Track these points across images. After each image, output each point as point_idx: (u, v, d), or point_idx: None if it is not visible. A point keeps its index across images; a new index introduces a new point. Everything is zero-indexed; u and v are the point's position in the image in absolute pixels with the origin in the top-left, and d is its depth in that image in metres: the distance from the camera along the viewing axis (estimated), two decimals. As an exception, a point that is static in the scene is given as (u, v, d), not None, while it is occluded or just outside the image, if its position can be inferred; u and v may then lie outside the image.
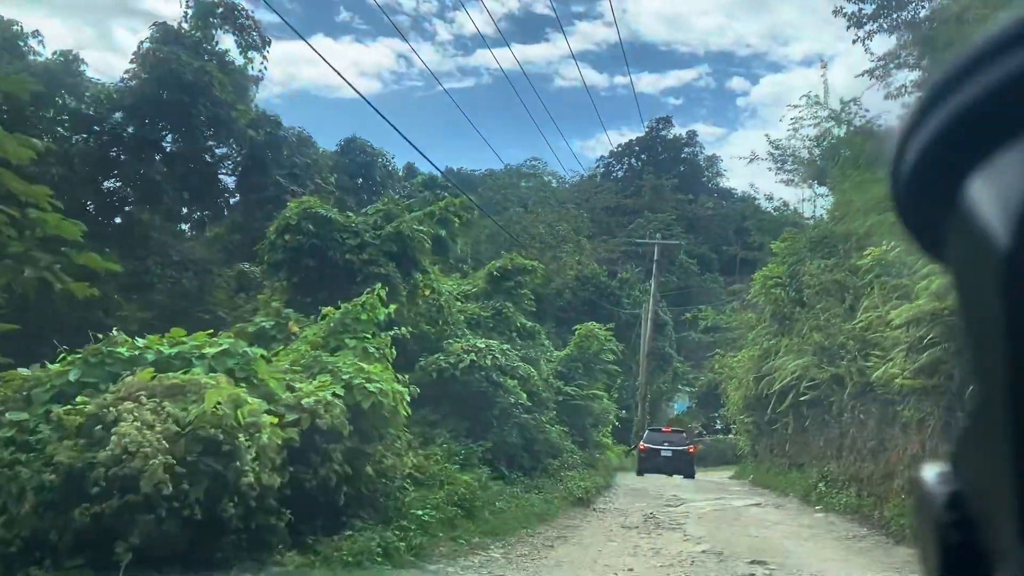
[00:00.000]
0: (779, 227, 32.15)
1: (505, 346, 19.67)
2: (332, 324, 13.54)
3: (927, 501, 0.57)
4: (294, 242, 18.25)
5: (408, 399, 13.34)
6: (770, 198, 42.67)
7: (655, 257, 53.12)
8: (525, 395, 19.07)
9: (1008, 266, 0.47)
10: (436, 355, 18.76)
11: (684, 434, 38.89)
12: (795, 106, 32.13)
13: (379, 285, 14.01)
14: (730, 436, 63.21)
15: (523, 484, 19.62)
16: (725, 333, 38.10)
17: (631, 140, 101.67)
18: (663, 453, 35.74)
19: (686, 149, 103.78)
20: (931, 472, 0.59)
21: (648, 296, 53.98)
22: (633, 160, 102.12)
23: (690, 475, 35.10)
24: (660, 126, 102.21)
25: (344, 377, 11.94)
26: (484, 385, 18.75)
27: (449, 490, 14.73)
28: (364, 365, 12.35)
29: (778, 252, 27.79)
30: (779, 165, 41.93)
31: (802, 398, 23.69)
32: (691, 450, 36.87)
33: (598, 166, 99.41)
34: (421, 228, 19.94)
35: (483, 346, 18.89)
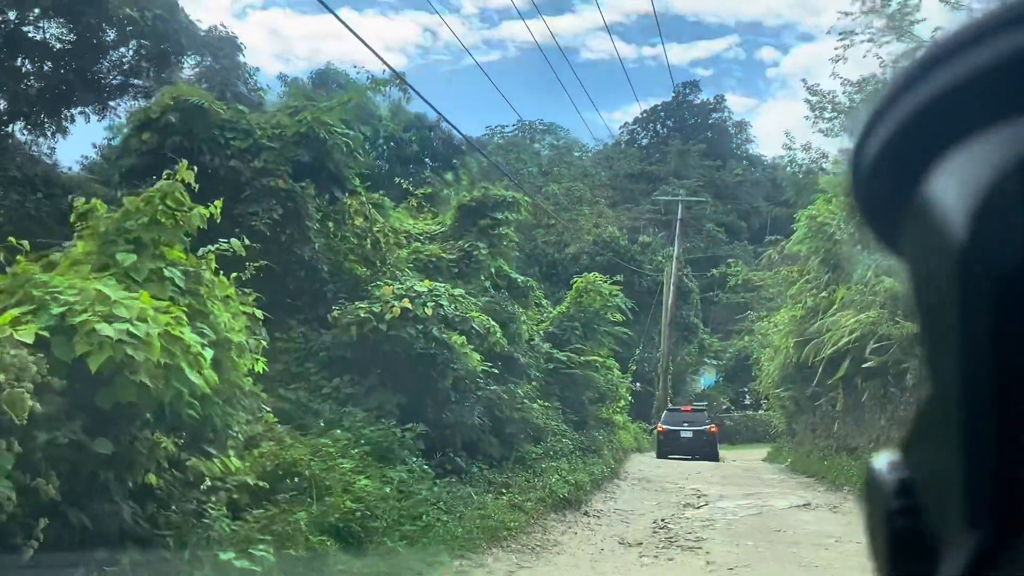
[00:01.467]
0: (817, 181, 26.04)
1: (458, 291, 13.74)
2: (105, 230, 7.70)
3: (877, 488, 0.56)
4: (153, 143, 12.47)
5: (229, 359, 7.53)
6: (807, 148, 36.61)
7: (679, 216, 46.91)
8: (478, 357, 13.07)
9: (963, 259, 0.47)
10: (355, 303, 12.88)
11: (705, 413, 33.52)
12: (846, 13, 25.82)
13: (183, 163, 8.09)
14: (760, 412, 57.25)
15: (485, 481, 13.81)
16: (759, 292, 31.93)
17: (656, 105, 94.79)
18: (683, 435, 30.79)
19: (714, 115, 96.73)
20: (882, 460, 0.57)
21: (671, 260, 47.82)
22: (659, 126, 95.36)
23: (713, 458, 30.05)
24: (687, 91, 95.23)
25: (55, 311, 6.12)
26: (425, 344, 12.87)
27: (330, 504, 8.92)
28: (111, 292, 6.48)
29: (828, 187, 21.57)
30: (817, 113, 35.85)
31: (864, 365, 17.55)
32: (713, 430, 31.63)
33: (622, 133, 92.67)
34: (345, 132, 14.02)
35: (423, 289, 12.96)
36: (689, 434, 30.75)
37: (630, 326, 47.60)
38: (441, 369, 13.75)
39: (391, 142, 33.08)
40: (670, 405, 37.18)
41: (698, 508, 16.07)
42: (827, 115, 34.38)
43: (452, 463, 13.94)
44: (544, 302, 24.18)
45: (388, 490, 10.02)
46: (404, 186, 19.29)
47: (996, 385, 0.46)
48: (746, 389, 60.21)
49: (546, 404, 17.10)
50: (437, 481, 12.41)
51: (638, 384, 36.89)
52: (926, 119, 0.52)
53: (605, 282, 21.62)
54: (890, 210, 0.56)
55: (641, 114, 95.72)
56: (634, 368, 43.05)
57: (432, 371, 13.76)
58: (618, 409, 26.90)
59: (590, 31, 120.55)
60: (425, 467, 11.96)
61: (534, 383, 16.91)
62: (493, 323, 13.56)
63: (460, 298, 13.38)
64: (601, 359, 20.59)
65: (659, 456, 30.43)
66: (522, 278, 22.73)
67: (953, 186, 0.49)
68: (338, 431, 10.99)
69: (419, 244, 17.26)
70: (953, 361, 0.48)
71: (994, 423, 0.47)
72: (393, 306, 12.41)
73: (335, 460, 10.06)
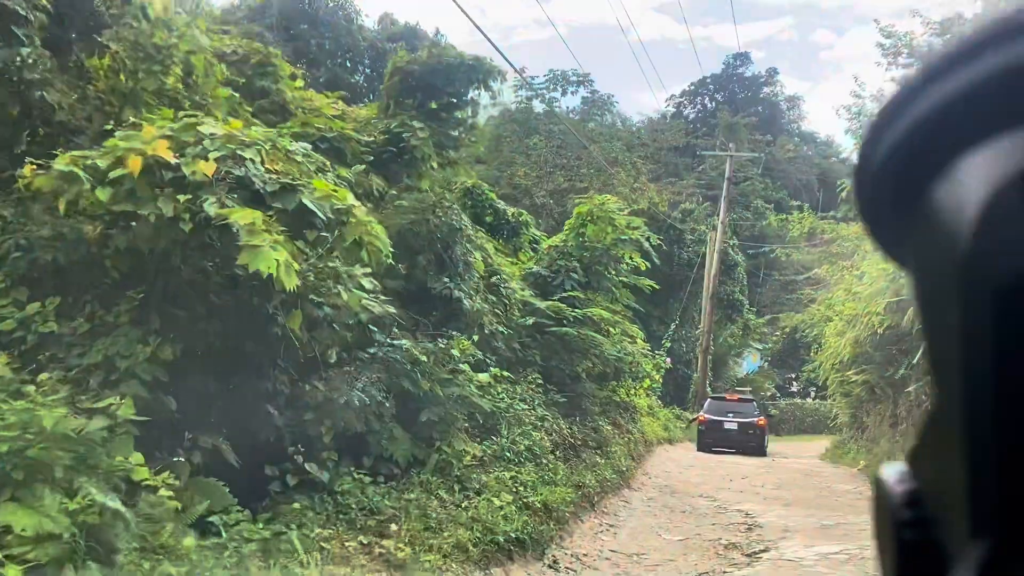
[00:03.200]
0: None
1: (300, 146, 6.84)
2: None
3: (885, 499, 0.54)
4: None
5: None
6: (879, 98, 29.28)
7: (727, 174, 39.50)
8: (284, 257, 6.04)
9: (965, 268, 0.45)
10: (70, 153, 6.08)
11: (753, 403, 27.04)
12: None
13: None
14: (809, 401, 49.99)
15: (357, 509, 7.08)
16: (829, 246, 24.86)
17: (705, 78, 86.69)
18: (727, 426, 24.88)
19: (765, 88, 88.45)
20: (890, 471, 0.55)
21: (715, 229, 40.36)
22: (707, 99, 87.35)
23: (760, 453, 24.76)
24: (738, 63, 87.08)
25: None
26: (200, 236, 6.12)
27: None
28: None
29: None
30: (890, 60, 28.67)
31: None
32: (761, 423, 25.60)
33: (667, 105, 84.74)
34: None
35: (214, 132, 6.14)
36: (734, 426, 24.81)
37: (664, 300, 40.51)
38: (285, 301, 6.96)
39: (376, 63, 26.08)
40: (713, 392, 31.22)
41: (751, 557, 9.07)
42: (903, 60, 27.65)
43: (301, 473, 7.23)
44: (543, 244, 17.25)
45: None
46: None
47: (999, 395, 0.44)
48: (793, 375, 53.12)
49: (504, 374, 10.22)
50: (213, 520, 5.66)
51: (668, 360, 29.82)
52: (935, 125, 0.48)
53: (619, 205, 14.61)
54: (895, 216, 0.52)
55: (688, 86, 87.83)
56: (668, 346, 35.93)
57: (266, 303, 6.99)
58: (642, 390, 19.88)
59: (640, 10, 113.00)
60: (149, 485, 5.19)
61: (476, 339, 9.95)
62: (355, 203, 6.62)
63: (300, 156, 6.51)
64: (609, 316, 13.49)
65: (699, 449, 24.57)
66: (513, 209, 15.90)
67: (958, 193, 0.46)
68: None
69: (321, 119, 10.42)
70: (956, 370, 0.45)
71: (998, 433, 0.44)
72: (129, 156, 5.60)
73: None
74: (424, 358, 8.33)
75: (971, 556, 0.45)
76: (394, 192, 9.63)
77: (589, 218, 13.68)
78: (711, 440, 24.78)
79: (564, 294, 12.69)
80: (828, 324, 26.01)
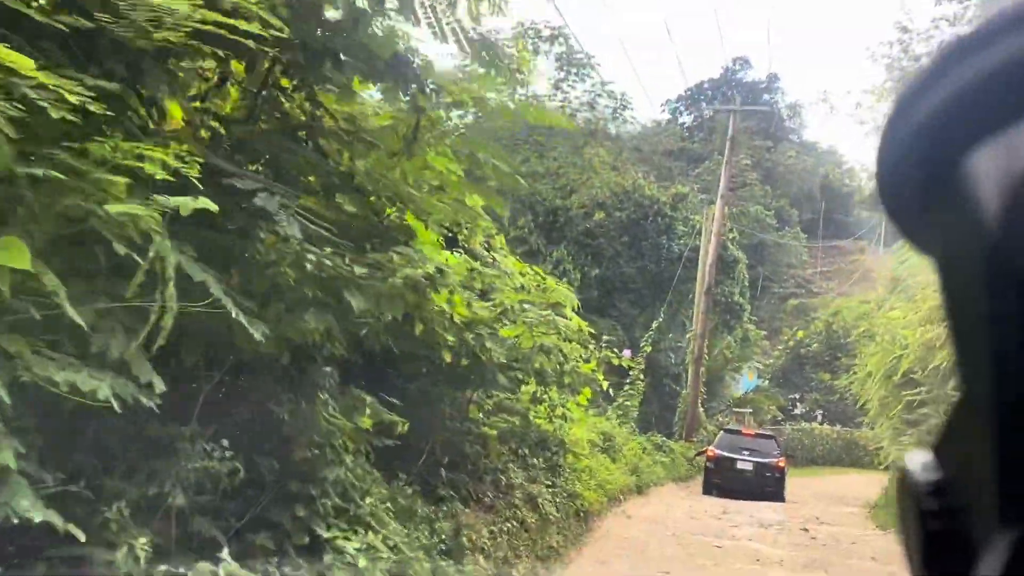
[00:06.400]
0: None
1: None
2: None
3: (911, 489, 0.51)
4: None
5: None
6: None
7: (730, 133, 29.33)
8: None
9: (994, 252, 0.43)
10: None
11: (773, 439, 21.40)
12: None
13: None
14: (817, 425, 39.62)
15: None
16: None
17: (702, 82, 76.68)
18: (740, 465, 19.33)
19: (765, 95, 78.53)
20: (915, 461, 0.52)
21: (712, 207, 29.88)
22: (704, 104, 77.30)
23: (778, 498, 19.05)
24: (737, 67, 77.09)
25: None
26: None
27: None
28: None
29: None
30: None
31: None
32: (780, 463, 19.78)
33: (663, 110, 74.61)
34: None
35: None
36: (748, 466, 19.27)
37: (650, 302, 30.05)
38: None
39: None
40: (729, 425, 24.90)
41: None
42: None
43: None
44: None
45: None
46: None
47: None
48: (797, 396, 42.79)
49: None
50: None
51: (628, 353, 20.06)
52: (968, 102, 0.43)
53: None
54: (920, 200, 0.48)
55: (685, 91, 77.79)
56: (648, 351, 25.66)
57: None
58: (576, 409, 9.54)
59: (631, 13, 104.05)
60: None
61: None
62: None
63: None
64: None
65: (705, 491, 19.38)
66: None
67: (986, 176, 0.42)
68: None
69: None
70: (983, 357, 0.43)
71: None
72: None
73: None
74: None
75: (1000, 545, 0.41)
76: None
77: None
78: (720, 481, 19.39)
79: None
80: (885, 315, 15.80)
